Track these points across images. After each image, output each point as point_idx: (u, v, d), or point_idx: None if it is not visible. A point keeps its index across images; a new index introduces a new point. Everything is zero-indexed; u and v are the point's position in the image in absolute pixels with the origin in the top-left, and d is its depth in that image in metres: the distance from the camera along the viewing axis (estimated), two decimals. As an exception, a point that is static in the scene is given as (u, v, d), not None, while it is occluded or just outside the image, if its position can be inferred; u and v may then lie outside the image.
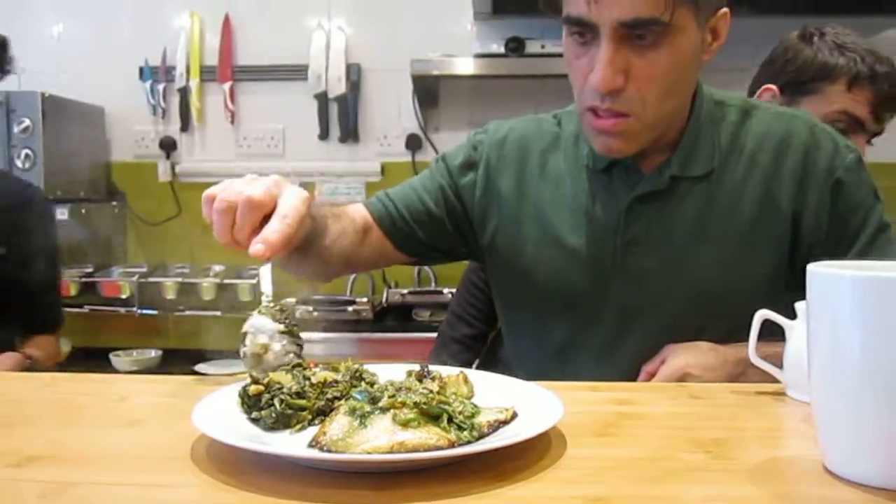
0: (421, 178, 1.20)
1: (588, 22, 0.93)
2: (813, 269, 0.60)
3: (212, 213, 0.79)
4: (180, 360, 2.63)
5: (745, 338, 0.84)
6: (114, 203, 2.87)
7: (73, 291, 2.57)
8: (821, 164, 1.05)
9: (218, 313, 2.66)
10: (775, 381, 0.85)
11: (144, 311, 2.65)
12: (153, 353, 2.62)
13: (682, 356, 0.99)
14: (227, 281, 2.63)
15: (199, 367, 2.50)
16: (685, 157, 1.06)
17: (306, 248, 0.95)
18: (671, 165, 1.05)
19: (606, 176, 1.09)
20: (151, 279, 2.64)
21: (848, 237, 1.05)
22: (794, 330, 0.83)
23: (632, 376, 1.03)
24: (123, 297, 2.60)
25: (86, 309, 2.58)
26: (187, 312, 2.67)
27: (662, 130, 1.03)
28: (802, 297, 0.78)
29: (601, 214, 1.08)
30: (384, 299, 2.65)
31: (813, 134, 1.07)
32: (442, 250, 1.20)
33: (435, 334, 1.89)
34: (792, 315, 0.83)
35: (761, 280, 1.05)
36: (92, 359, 2.47)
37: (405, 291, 2.63)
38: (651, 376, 1.01)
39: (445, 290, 2.55)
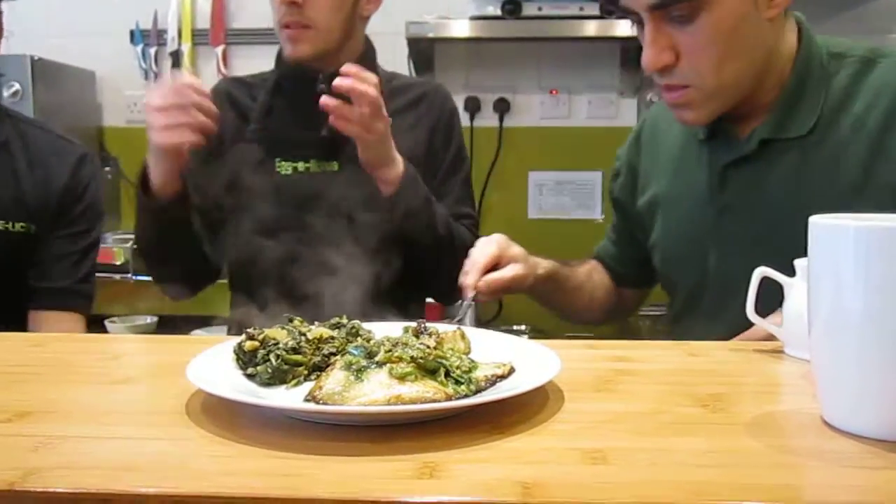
0: (610, 228, 1.36)
1: (626, 8, 0.99)
2: (815, 220, 0.59)
3: None
4: (176, 326, 2.62)
5: None
6: (106, 169, 2.83)
7: (66, 258, 2.54)
8: None
9: (213, 279, 2.65)
10: None
11: (139, 278, 2.63)
12: (149, 320, 2.62)
13: None
14: (222, 247, 2.61)
15: (195, 334, 2.49)
16: (780, 120, 1.02)
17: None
18: (762, 129, 1.03)
19: (708, 144, 1.11)
20: (146, 245, 2.62)
21: None
22: (793, 287, 0.83)
23: None
24: (118, 263, 2.58)
25: (80, 275, 2.56)
26: (183, 278, 2.66)
27: (734, 95, 1.01)
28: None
29: (700, 182, 1.11)
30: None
31: None
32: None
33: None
34: None
35: None
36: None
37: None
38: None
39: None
